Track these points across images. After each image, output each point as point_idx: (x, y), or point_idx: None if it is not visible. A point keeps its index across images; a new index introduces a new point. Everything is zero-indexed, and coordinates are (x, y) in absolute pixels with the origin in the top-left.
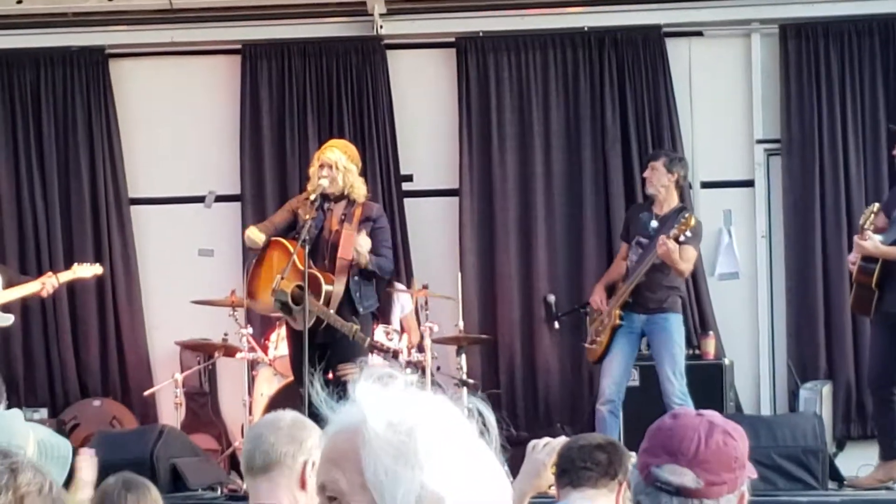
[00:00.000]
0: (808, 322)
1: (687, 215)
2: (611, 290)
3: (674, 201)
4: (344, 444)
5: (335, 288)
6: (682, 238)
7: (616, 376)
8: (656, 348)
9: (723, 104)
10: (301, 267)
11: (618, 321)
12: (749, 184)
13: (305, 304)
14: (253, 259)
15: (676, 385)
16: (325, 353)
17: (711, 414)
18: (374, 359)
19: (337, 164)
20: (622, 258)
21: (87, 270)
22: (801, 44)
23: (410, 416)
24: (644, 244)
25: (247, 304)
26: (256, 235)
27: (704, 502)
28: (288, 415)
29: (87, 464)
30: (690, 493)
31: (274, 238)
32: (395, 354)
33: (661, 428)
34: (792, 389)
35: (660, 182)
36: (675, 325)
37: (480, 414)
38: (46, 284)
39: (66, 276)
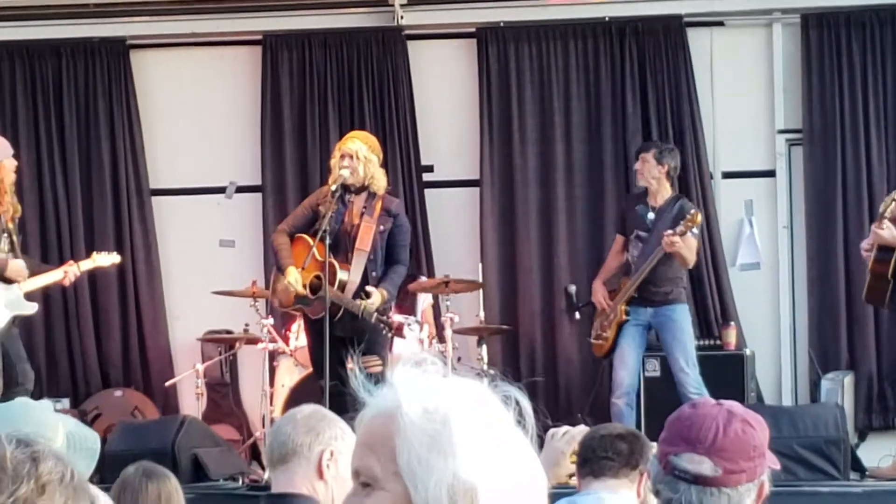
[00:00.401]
0: (830, 312)
1: (693, 211)
2: (608, 285)
3: (667, 192)
4: (379, 430)
5: (350, 276)
6: (688, 235)
7: (630, 369)
8: (667, 341)
9: (744, 94)
10: (320, 258)
11: (624, 317)
12: (770, 174)
13: (326, 295)
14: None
15: (691, 375)
16: (346, 347)
17: (731, 403)
18: (397, 350)
19: (357, 154)
20: (618, 251)
21: (105, 259)
22: (822, 33)
23: (446, 404)
24: (644, 237)
25: (270, 298)
26: (294, 278)
27: (723, 490)
28: (307, 407)
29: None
30: (708, 482)
31: (297, 235)
32: (399, 329)
33: (679, 417)
34: (813, 380)
35: (651, 174)
36: (682, 315)
37: (517, 402)
38: (69, 273)
39: (86, 265)
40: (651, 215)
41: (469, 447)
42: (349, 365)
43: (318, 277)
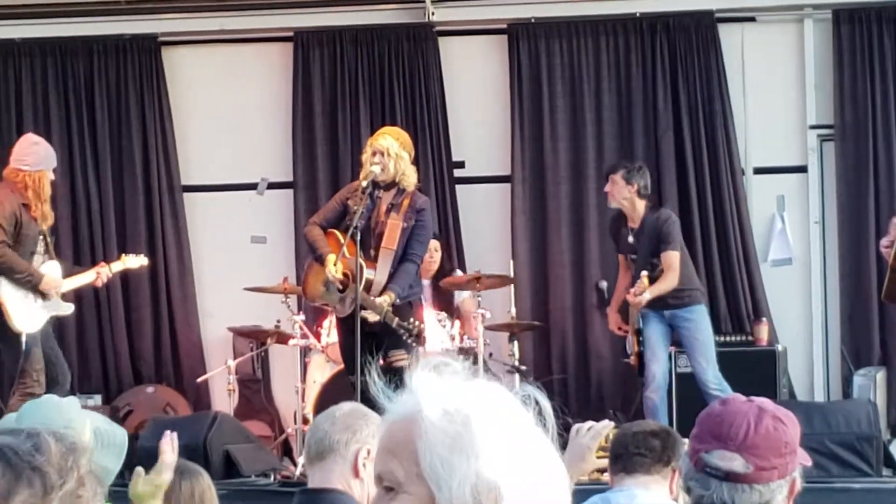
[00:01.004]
0: (862, 308)
1: (643, 274)
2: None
3: (642, 210)
4: (400, 434)
5: (377, 276)
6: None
7: (661, 361)
8: (687, 340)
9: (776, 90)
10: (349, 256)
11: (637, 325)
12: (802, 169)
13: (357, 292)
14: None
15: (710, 373)
16: (377, 342)
17: (761, 400)
18: (431, 346)
19: (389, 150)
20: (625, 271)
21: (134, 261)
22: (854, 28)
23: (466, 405)
24: (635, 259)
25: (301, 293)
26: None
27: (754, 487)
28: (347, 405)
29: (170, 446)
30: (739, 478)
31: (329, 230)
32: (419, 334)
33: (710, 414)
34: (846, 376)
35: (621, 195)
36: (700, 315)
37: (536, 402)
38: (101, 274)
39: (117, 267)
40: (631, 238)
41: (491, 447)
42: (378, 361)
43: (345, 275)
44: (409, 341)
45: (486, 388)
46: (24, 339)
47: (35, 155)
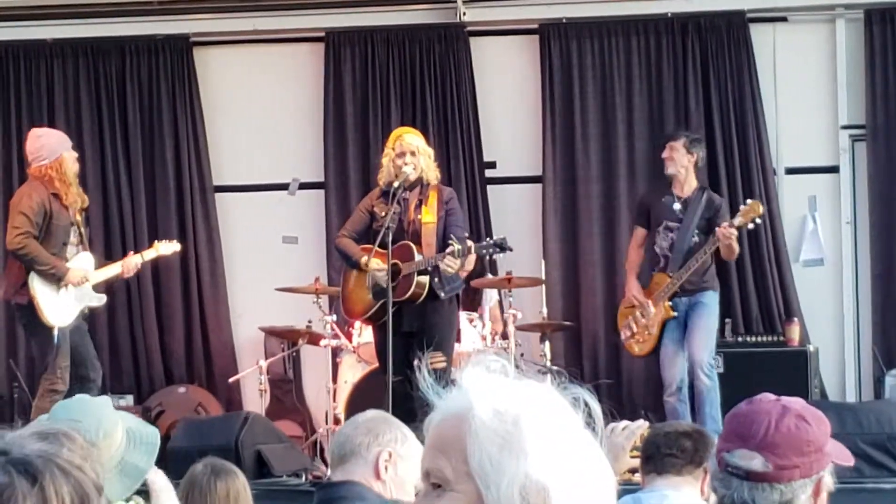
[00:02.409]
0: (894, 308)
1: (751, 202)
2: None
3: (694, 182)
4: (450, 432)
5: (424, 256)
6: (750, 225)
7: (678, 365)
8: (692, 320)
9: (807, 90)
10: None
11: (672, 313)
12: (834, 170)
13: (389, 293)
14: (342, 278)
15: (706, 357)
16: (415, 342)
17: (789, 399)
18: (463, 346)
19: (418, 148)
20: (639, 245)
21: (167, 248)
22: (886, 28)
23: (517, 405)
24: (674, 228)
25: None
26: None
27: (775, 486)
28: (371, 412)
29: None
30: (759, 477)
31: (363, 246)
32: (503, 246)
33: (735, 414)
34: (877, 376)
35: (680, 162)
36: (712, 300)
37: (586, 404)
38: (127, 264)
39: (149, 255)
40: (678, 206)
41: (540, 448)
42: (415, 363)
43: (395, 264)
44: (496, 253)
45: (536, 388)
46: (56, 332)
47: (47, 147)
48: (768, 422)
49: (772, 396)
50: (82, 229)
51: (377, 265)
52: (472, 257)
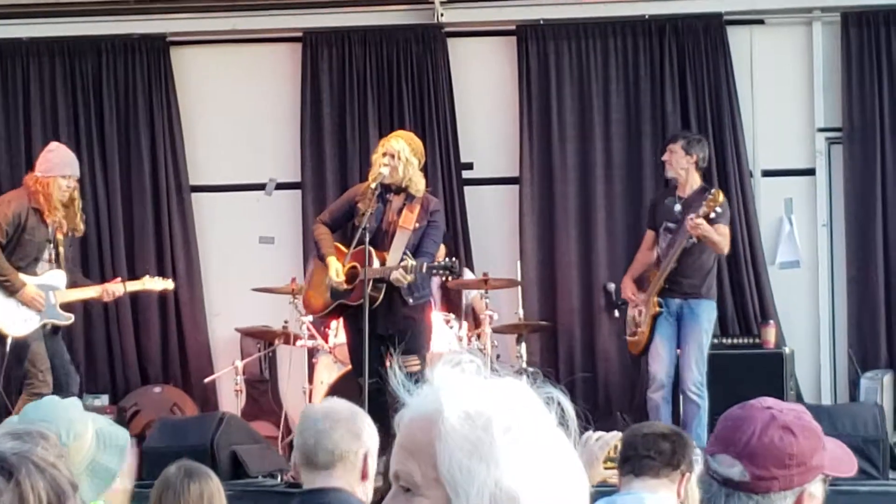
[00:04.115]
0: (869, 311)
1: (713, 191)
2: (639, 281)
3: (696, 183)
4: (419, 435)
5: (389, 259)
6: (712, 215)
7: (665, 362)
8: (684, 334)
9: (784, 92)
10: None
11: (657, 308)
12: (810, 172)
13: (366, 294)
14: (310, 272)
15: (696, 374)
16: (388, 344)
17: (783, 408)
18: (438, 347)
19: (400, 154)
20: (648, 248)
21: (157, 284)
22: (862, 31)
23: (488, 408)
24: (672, 229)
25: (307, 312)
26: (336, 269)
27: (751, 496)
28: (341, 407)
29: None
30: (735, 485)
31: (336, 246)
32: (452, 269)
33: (727, 417)
34: (852, 379)
35: (679, 165)
36: (706, 312)
37: (560, 405)
38: (108, 290)
39: (133, 286)
40: (678, 206)
41: (511, 454)
42: (389, 363)
43: (354, 267)
44: (445, 275)
45: (509, 388)
46: (9, 341)
47: (47, 162)
48: (752, 430)
49: (766, 403)
50: (61, 248)
51: (335, 281)
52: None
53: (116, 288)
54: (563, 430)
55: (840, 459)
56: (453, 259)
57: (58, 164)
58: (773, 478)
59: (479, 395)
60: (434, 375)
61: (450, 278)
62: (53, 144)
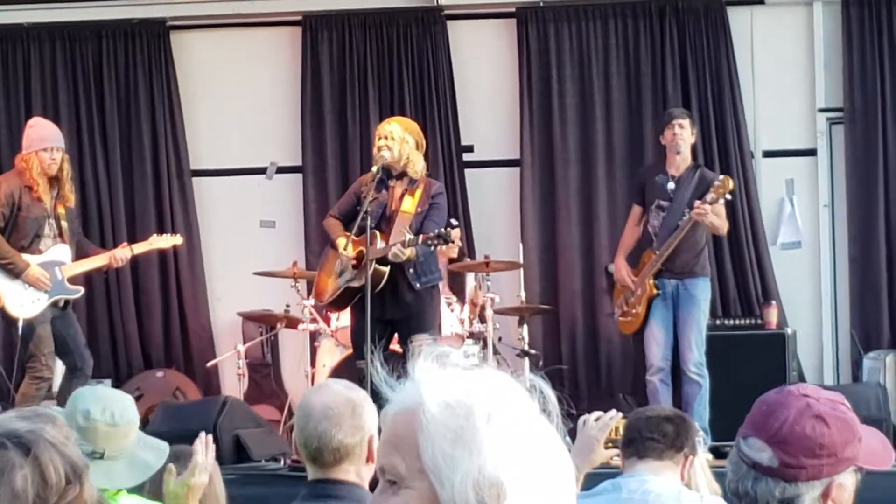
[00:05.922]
0: (872, 291)
1: (722, 178)
2: (629, 260)
3: (688, 161)
4: (402, 428)
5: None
6: (721, 202)
7: (662, 345)
8: (682, 315)
9: (785, 73)
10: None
11: (654, 291)
12: (811, 153)
13: (367, 283)
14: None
15: (696, 354)
16: (393, 328)
17: (821, 396)
18: (444, 330)
19: (392, 134)
20: (635, 223)
21: (165, 241)
22: (863, 11)
23: (468, 397)
24: (665, 207)
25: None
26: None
27: (778, 481)
28: (341, 400)
29: (203, 447)
30: (763, 470)
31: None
32: (446, 238)
33: (763, 401)
34: (855, 359)
35: (689, 140)
36: (702, 291)
37: (541, 392)
38: (116, 256)
39: (141, 248)
40: (671, 185)
41: (494, 441)
42: (393, 346)
43: (361, 251)
44: (441, 246)
45: (489, 378)
46: (20, 324)
47: (27, 138)
48: (786, 417)
49: (805, 390)
50: (63, 222)
51: (342, 242)
52: (455, 248)
53: (124, 253)
54: (546, 416)
55: (875, 453)
56: (446, 229)
57: (36, 140)
58: (802, 467)
59: (460, 385)
60: (413, 369)
61: (443, 248)
62: (33, 120)
